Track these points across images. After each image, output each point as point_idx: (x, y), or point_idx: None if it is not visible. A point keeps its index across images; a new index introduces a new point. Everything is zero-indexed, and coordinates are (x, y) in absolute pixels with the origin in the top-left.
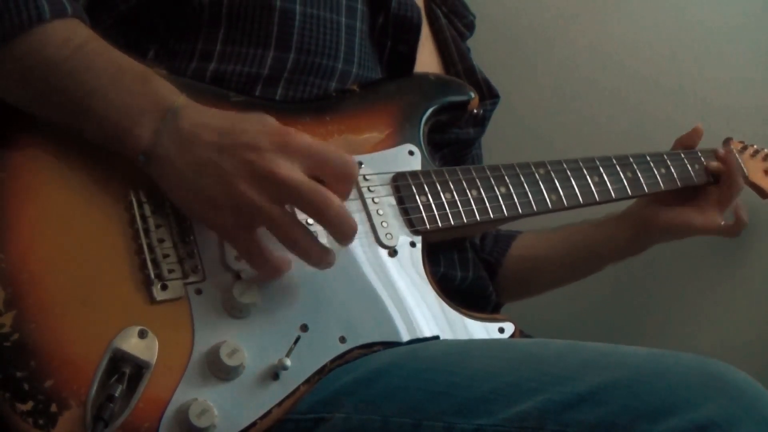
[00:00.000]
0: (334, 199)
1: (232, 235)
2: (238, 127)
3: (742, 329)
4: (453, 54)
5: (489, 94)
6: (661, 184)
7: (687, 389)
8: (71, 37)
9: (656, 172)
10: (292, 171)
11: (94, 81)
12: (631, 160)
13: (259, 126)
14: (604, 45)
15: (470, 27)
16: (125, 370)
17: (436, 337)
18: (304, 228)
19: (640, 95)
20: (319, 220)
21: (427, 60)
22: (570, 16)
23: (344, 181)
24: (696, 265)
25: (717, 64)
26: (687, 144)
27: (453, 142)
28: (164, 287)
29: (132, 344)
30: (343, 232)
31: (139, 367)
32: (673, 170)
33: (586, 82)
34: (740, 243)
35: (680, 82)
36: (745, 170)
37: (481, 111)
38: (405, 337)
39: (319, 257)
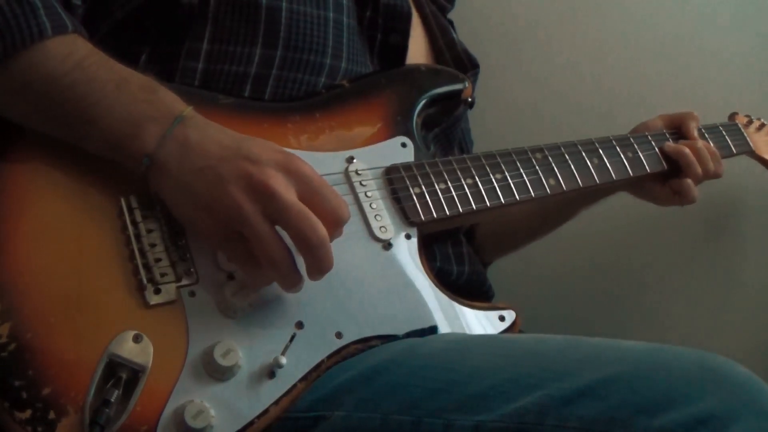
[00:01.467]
0: (322, 230)
1: (221, 242)
2: (244, 144)
3: (742, 324)
4: (434, 29)
5: (470, 65)
6: (663, 163)
7: (686, 383)
8: (72, 52)
9: (657, 151)
10: (287, 190)
11: (98, 92)
12: (632, 140)
13: (264, 146)
14: (597, 27)
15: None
16: (121, 375)
17: (434, 327)
18: (287, 251)
19: (630, 71)
20: (300, 245)
21: (417, 46)
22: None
23: (333, 222)
24: (696, 260)
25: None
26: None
27: (444, 120)
28: (157, 291)
29: (127, 349)
30: (319, 267)
31: (134, 372)
32: None
33: (575, 66)
34: (741, 240)
35: (685, 58)
36: (750, 144)
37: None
38: (402, 329)
39: (293, 284)
